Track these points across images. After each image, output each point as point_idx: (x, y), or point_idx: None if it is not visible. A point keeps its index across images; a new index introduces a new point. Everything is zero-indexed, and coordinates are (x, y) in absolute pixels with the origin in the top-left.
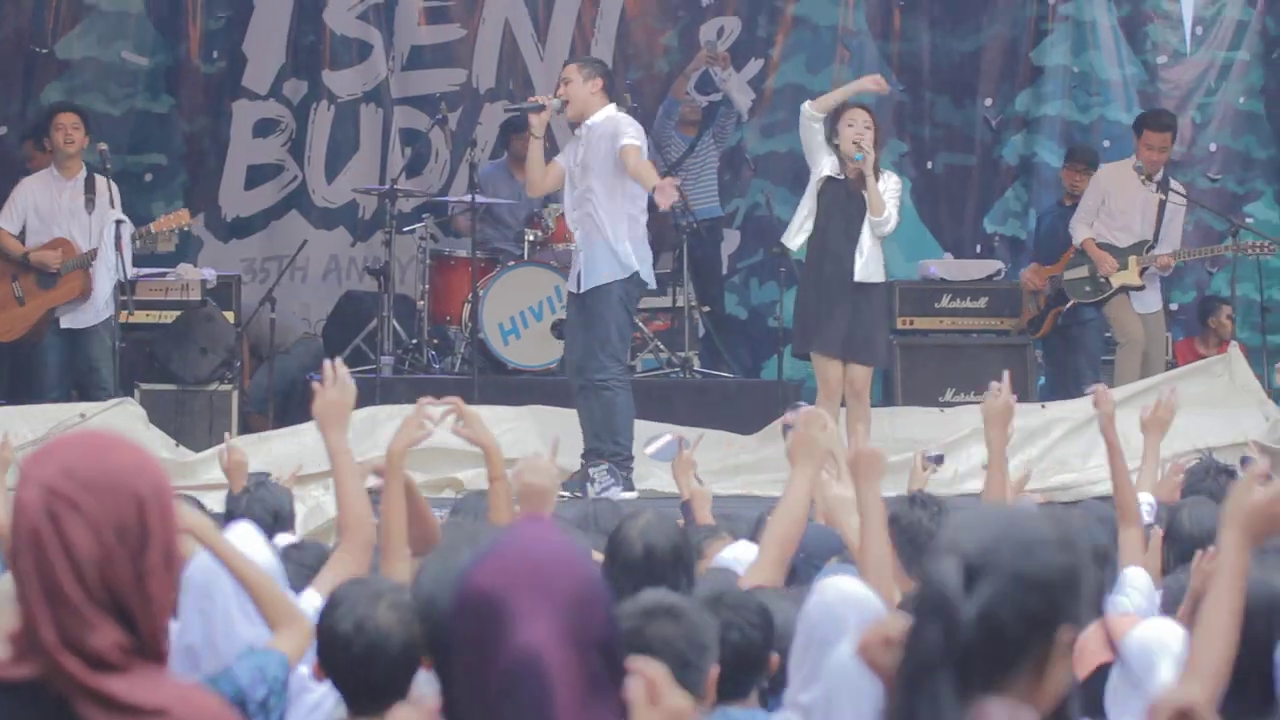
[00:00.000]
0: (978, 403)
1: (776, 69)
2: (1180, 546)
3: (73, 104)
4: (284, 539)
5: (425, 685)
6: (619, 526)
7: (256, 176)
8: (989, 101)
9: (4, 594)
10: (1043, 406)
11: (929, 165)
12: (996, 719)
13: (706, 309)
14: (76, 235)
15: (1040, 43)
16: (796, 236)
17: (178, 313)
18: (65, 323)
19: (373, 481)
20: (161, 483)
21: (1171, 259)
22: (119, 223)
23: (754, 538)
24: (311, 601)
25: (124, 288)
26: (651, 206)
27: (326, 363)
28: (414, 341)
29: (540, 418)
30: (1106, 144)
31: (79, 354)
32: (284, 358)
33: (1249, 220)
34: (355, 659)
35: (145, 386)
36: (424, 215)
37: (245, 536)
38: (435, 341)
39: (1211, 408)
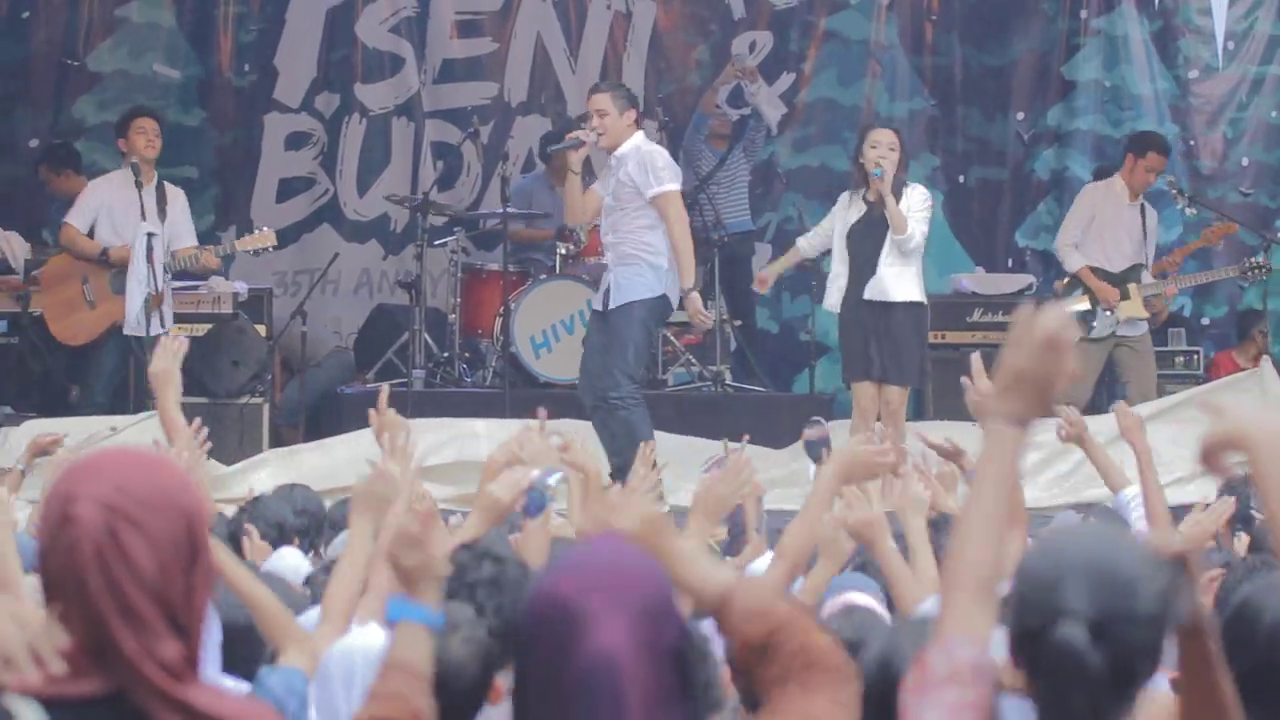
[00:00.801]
0: None
1: (809, 83)
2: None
3: (151, 109)
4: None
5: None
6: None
7: (288, 189)
8: (1021, 115)
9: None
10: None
11: (961, 179)
12: None
13: (738, 323)
14: (153, 245)
15: (1072, 57)
16: (831, 296)
17: (209, 326)
18: (129, 330)
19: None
20: (202, 499)
21: (1175, 288)
22: (150, 235)
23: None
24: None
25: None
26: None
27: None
28: (445, 355)
29: (571, 432)
30: None
31: (142, 363)
32: (315, 371)
33: None
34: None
35: (186, 400)
36: (455, 229)
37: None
38: (467, 355)
39: None
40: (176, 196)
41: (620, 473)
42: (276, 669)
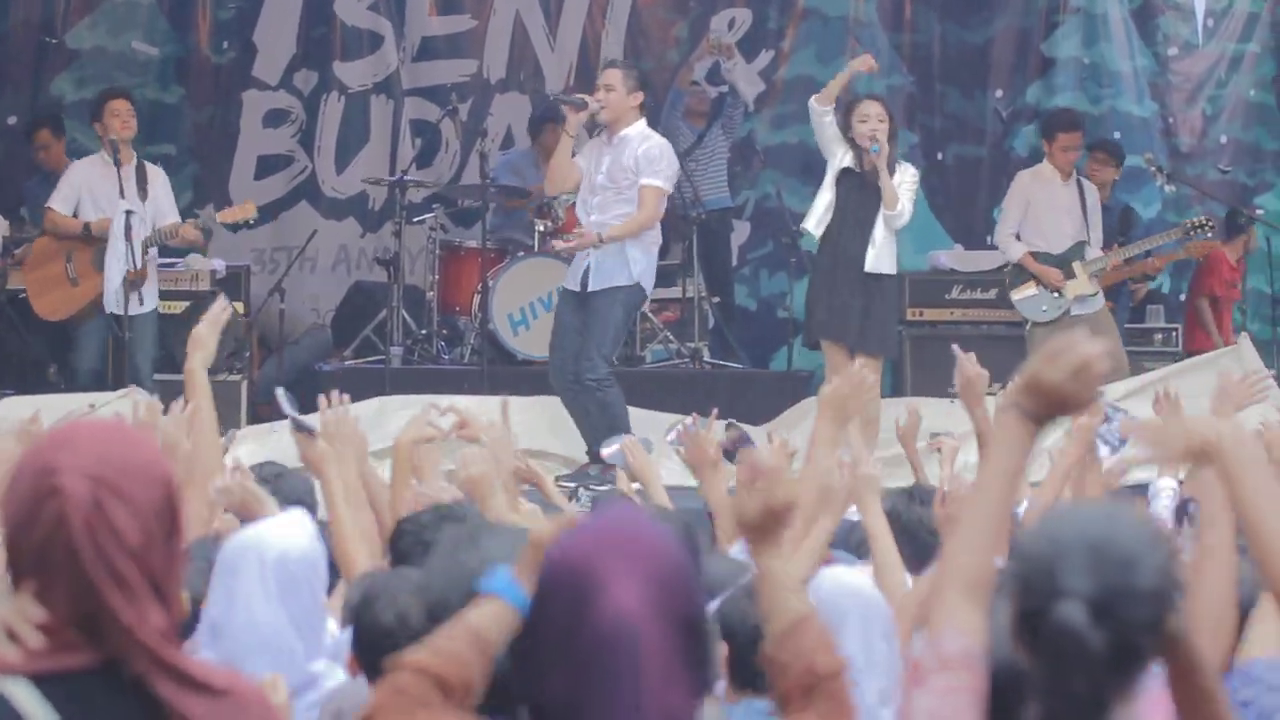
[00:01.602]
0: (988, 394)
1: (787, 60)
2: None
3: (124, 89)
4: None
5: None
6: None
7: (266, 167)
8: (1000, 93)
9: None
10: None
11: (939, 156)
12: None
13: (716, 300)
14: (131, 223)
15: (1051, 34)
16: (817, 227)
17: (187, 303)
18: (113, 309)
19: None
20: (174, 470)
21: (1119, 260)
22: (129, 213)
23: None
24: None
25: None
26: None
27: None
28: (423, 332)
29: (550, 408)
30: (1117, 135)
31: (123, 342)
32: (293, 348)
33: (1260, 212)
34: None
35: (155, 376)
36: (434, 206)
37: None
38: (445, 332)
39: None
40: (157, 175)
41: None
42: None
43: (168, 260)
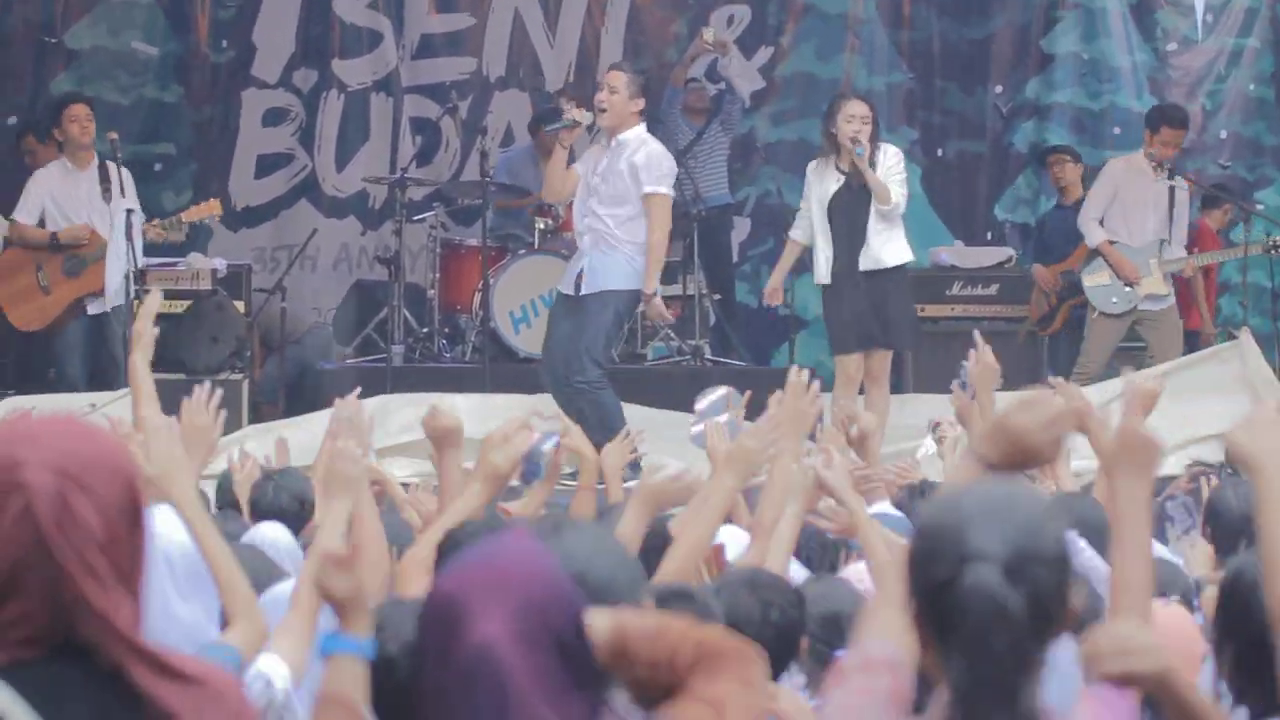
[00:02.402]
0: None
1: (787, 57)
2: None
3: (82, 94)
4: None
5: None
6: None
7: (266, 166)
8: (999, 89)
9: None
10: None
11: (939, 153)
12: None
13: (717, 297)
14: (96, 224)
15: (1051, 30)
16: (820, 268)
17: (188, 302)
18: (92, 309)
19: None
20: (137, 463)
21: (1194, 264)
22: (129, 211)
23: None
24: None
25: (135, 277)
26: None
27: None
28: (425, 330)
29: (552, 405)
30: (1117, 130)
31: (101, 342)
32: (295, 347)
33: (1260, 207)
34: (400, 684)
35: (155, 376)
36: (434, 204)
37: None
38: (446, 330)
39: (1222, 395)
40: (118, 176)
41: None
42: (211, 648)
43: (169, 260)
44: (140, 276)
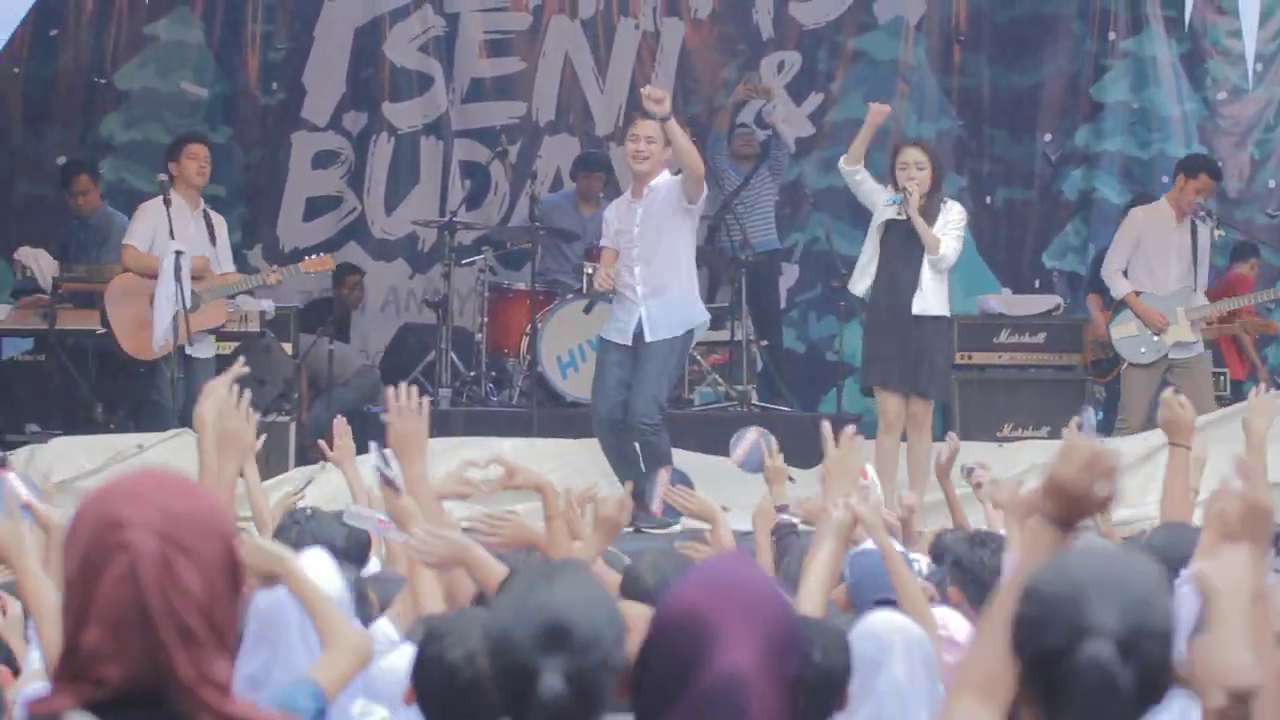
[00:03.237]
0: (1036, 438)
1: (836, 103)
2: None
3: (202, 134)
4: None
5: None
6: (630, 564)
7: (315, 208)
8: (1049, 136)
9: None
10: (1100, 442)
11: (988, 200)
12: None
13: (765, 343)
14: (181, 264)
15: (1100, 78)
16: (861, 281)
17: (236, 344)
18: (190, 350)
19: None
20: (234, 521)
21: (1219, 312)
22: (179, 253)
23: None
24: (385, 631)
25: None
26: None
27: (389, 391)
28: (472, 374)
29: (599, 451)
30: (1165, 179)
31: (191, 383)
32: (342, 390)
33: None
34: (459, 689)
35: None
36: (483, 248)
37: (318, 564)
38: (493, 374)
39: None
40: (220, 223)
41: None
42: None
43: None
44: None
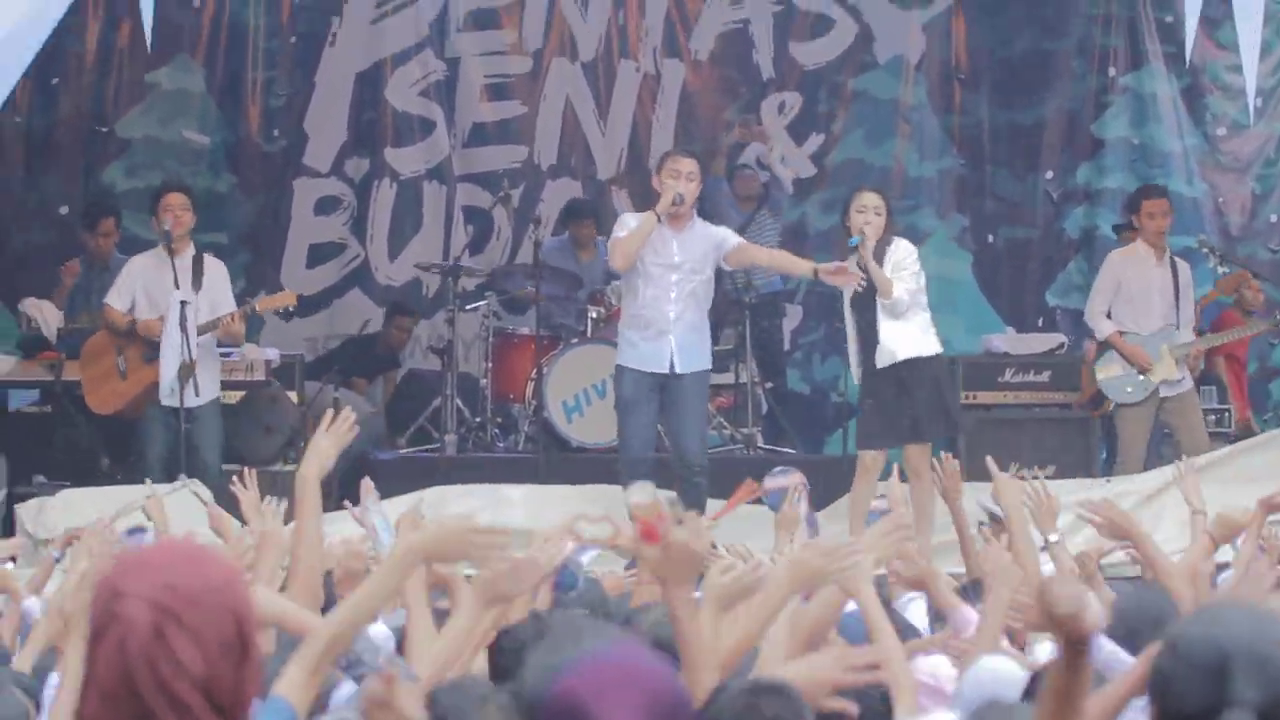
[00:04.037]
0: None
1: (838, 143)
2: None
3: (181, 183)
4: None
5: None
6: (629, 621)
7: (318, 255)
8: (1050, 174)
9: None
10: (1106, 481)
11: (990, 239)
12: None
13: (769, 385)
14: (185, 314)
15: (1101, 115)
16: (855, 368)
17: (242, 393)
18: (167, 401)
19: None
20: (249, 594)
21: (1203, 349)
22: (184, 303)
23: None
24: None
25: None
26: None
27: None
28: (478, 420)
29: (607, 496)
30: None
31: (186, 434)
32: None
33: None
34: None
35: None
36: (487, 293)
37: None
38: (499, 420)
39: (1275, 480)
40: (215, 266)
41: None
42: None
43: (223, 350)
44: (193, 367)
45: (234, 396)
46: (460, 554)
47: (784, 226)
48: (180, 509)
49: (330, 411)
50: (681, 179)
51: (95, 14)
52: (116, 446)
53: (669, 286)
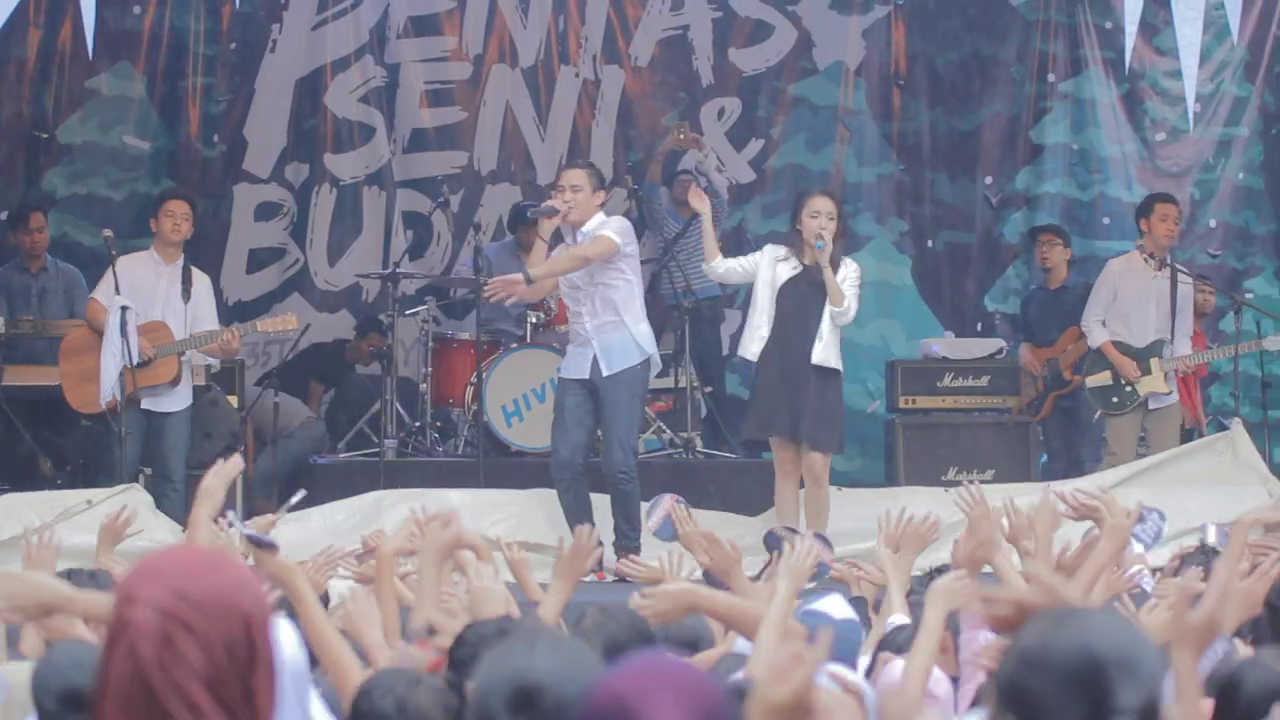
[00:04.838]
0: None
1: (777, 149)
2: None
3: (187, 192)
4: None
5: None
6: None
7: (258, 260)
8: (989, 179)
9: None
10: (1046, 485)
11: (929, 244)
12: None
13: (709, 389)
14: (171, 322)
15: (1040, 121)
16: (753, 344)
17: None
18: (146, 404)
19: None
20: (263, 600)
21: (1193, 362)
22: (124, 308)
23: None
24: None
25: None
26: (651, 286)
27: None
28: (417, 424)
29: (545, 501)
30: (1107, 220)
31: (157, 438)
32: (288, 441)
33: (1249, 296)
34: None
35: (149, 471)
36: (426, 298)
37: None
38: (438, 424)
39: (1214, 485)
40: (201, 280)
41: (624, 549)
42: None
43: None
44: (134, 372)
45: None
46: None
47: (722, 232)
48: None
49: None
50: (566, 191)
51: (36, 20)
52: (60, 451)
53: (578, 300)
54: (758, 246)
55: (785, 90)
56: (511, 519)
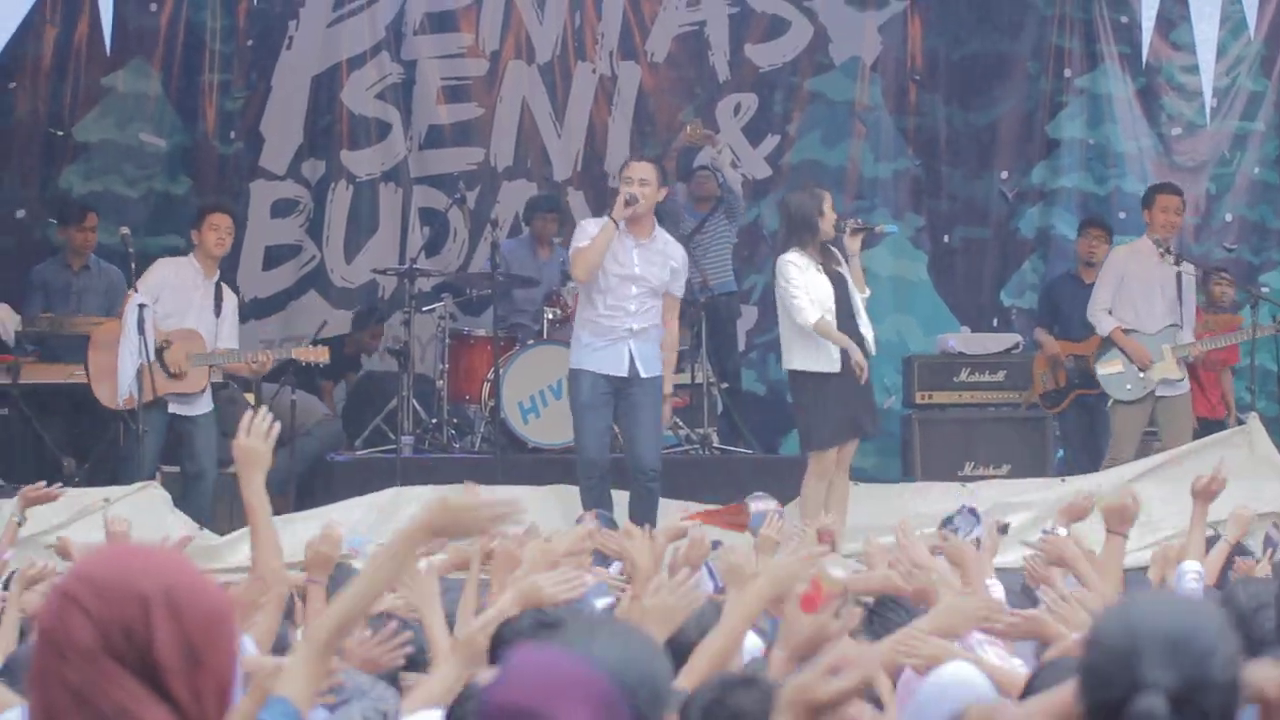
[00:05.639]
0: (997, 476)
1: (793, 144)
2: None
3: (226, 204)
4: None
5: None
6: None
7: (275, 257)
8: (1005, 174)
9: None
10: (1062, 481)
11: (945, 239)
12: None
13: (725, 385)
14: (202, 332)
15: (1056, 116)
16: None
17: None
18: (174, 408)
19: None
20: (177, 583)
21: (1201, 349)
22: (142, 306)
23: None
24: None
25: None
26: None
27: (246, 416)
28: (434, 421)
29: (563, 497)
30: (1123, 215)
31: (187, 440)
32: (305, 439)
33: (1265, 290)
34: None
35: (168, 469)
36: (443, 294)
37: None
38: (455, 421)
39: (1231, 479)
40: (230, 298)
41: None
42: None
43: None
44: (152, 370)
45: None
46: (469, 529)
47: (739, 228)
48: (143, 510)
49: (246, 416)
50: (634, 184)
51: (53, 17)
52: (81, 449)
53: (628, 298)
54: (774, 243)
55: (801, 86)
56: (527, 516)
